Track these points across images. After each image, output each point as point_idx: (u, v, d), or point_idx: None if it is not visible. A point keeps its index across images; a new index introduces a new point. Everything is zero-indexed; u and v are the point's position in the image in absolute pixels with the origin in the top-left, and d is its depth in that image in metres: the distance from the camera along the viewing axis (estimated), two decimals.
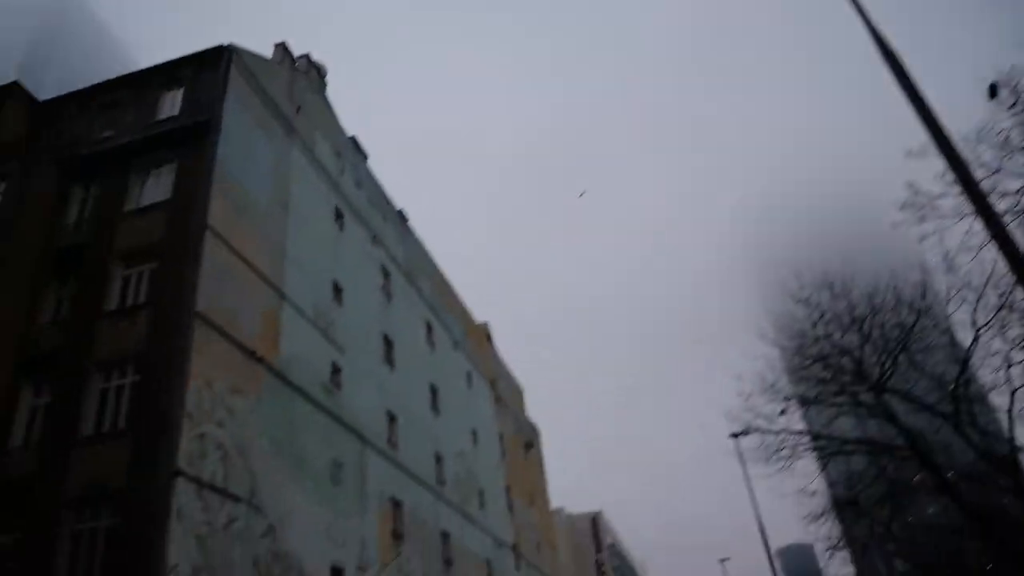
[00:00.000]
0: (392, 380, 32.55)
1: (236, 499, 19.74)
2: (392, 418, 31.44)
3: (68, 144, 24.70)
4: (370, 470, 27.85)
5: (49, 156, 24.41)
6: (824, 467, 19.87)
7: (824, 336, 19.01)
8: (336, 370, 27.37)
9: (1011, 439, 17.39)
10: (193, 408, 19.04)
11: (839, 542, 24.89)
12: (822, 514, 21.98)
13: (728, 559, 57.69)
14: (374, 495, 27.65)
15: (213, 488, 18.97)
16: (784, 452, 19.29)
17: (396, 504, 29.46)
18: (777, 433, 19.19)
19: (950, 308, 17.51)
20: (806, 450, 19.32)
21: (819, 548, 25.82)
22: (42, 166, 24.25)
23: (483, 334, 52.19)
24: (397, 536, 28.74)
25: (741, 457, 25.14)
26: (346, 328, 29.05)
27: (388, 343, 33.22)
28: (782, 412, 19.07)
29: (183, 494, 17.87)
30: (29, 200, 23.72)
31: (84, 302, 21.55)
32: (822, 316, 19.09)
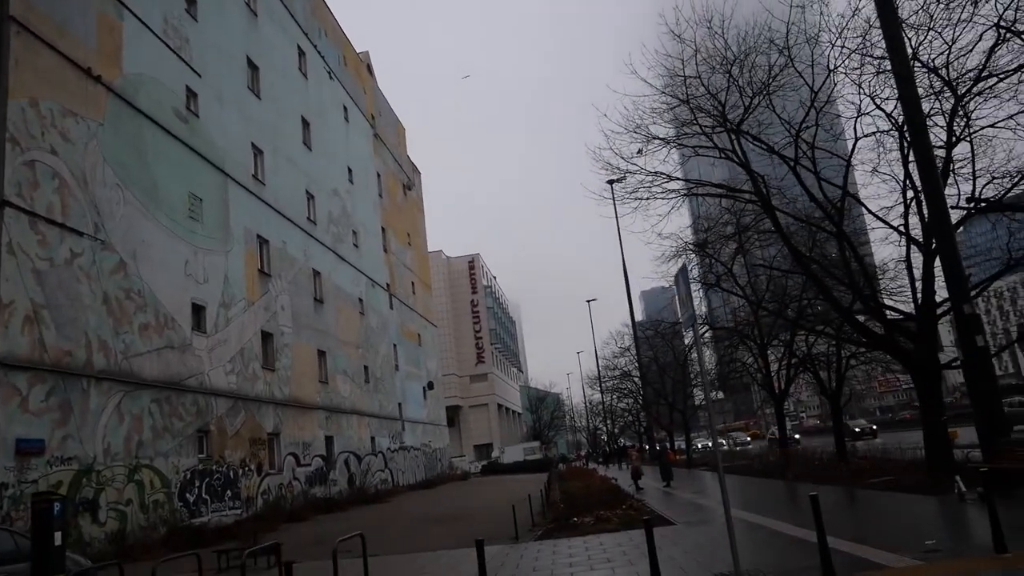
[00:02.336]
0: (258, 110, 30.05)
1: (79, 233, 18.24)
2: (258, 151, 29.48)
3: None
4: (233, 205, 26.48)
5: None
6: (670, 211, 20.54)
7: (694, 76, 18.58)
8: (192, 95, 24.72)
9: (844, 185, 18.47)
10: (17, 131, 16.74)
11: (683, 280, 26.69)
12: (674, 256, 23.33)
13: (595, 300, 63.05)
14: (238, 231, 26.58)
15: (50, 221, 17.34)
16: (641, 192, 19.66)
17: (263, 241, 28.61)
18: (634, 173, 19.42)
19: (810, 49, 17.66)
20: (662, 193, 19.67)
21: (674, 289, 27.75)
22: None
23: (363, 65, 48.64)
24: (264, 274, 28.28)
25: (613, 202, 25.70)
26: (203, 48, 25.86)
27: (253, 67, 30.15)
28: (639, 152, 19.17)
29: (13, 226, 16.23)
30: None
31: None
32: (695, 54, 18.48)
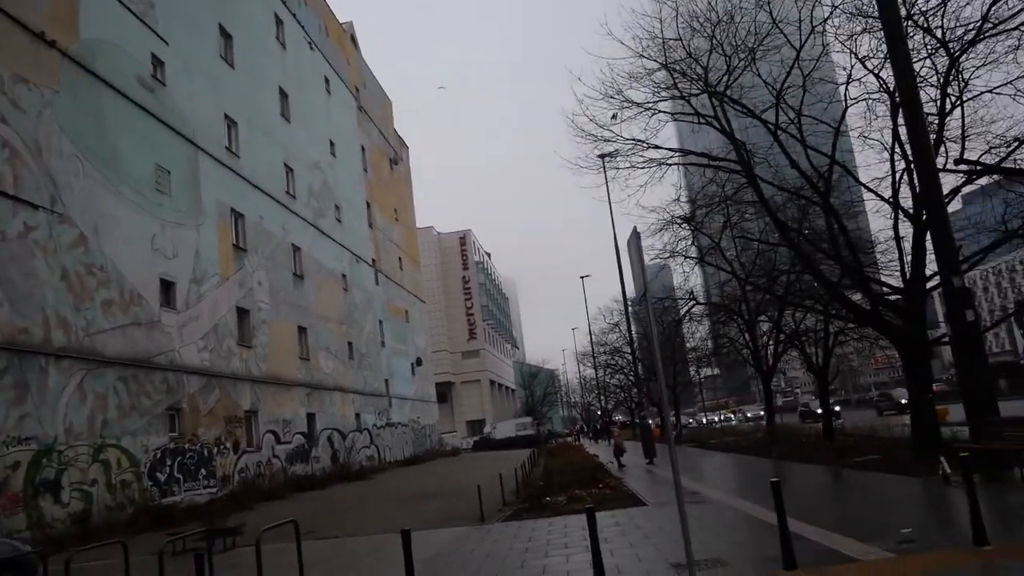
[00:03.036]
0: (232, 80, 29.07)
1: (33, 206, 17.47)
2: (232, 123, 28.55)
3: None
4: (204, 178, 25.63)
5: None
6: (646, 181, 19.52)
7: (674, 38, 17.68)
8: (158, 63, 23.78)
9: (831, 154, 17.47)
10: None
11: (670, 254, 25.62)
12: (660, 229, 22.56)
13: (588, 275, 62.00)
14: (210, 205, 25.75)
15: (1, 193, 16.55)
16: (620, 161, 18.89)
17: (237, 215, 27.79)
18: (610, 141, 18.59)
19: (797, 8, 16.72)
20: (643, 163, 18.80)
21: (672, 263, 26.88)
22: None
23: (347, 35, 47.45)
24: (239, 248, 27.50)
25: (605, 175, 24.82)
26: (170, 14, 24.87)
27: (226, 36, 29.12)
28: (613, 117, 18.31)
29: None
30: None
31: None
32: (676, 15, 17.55)
